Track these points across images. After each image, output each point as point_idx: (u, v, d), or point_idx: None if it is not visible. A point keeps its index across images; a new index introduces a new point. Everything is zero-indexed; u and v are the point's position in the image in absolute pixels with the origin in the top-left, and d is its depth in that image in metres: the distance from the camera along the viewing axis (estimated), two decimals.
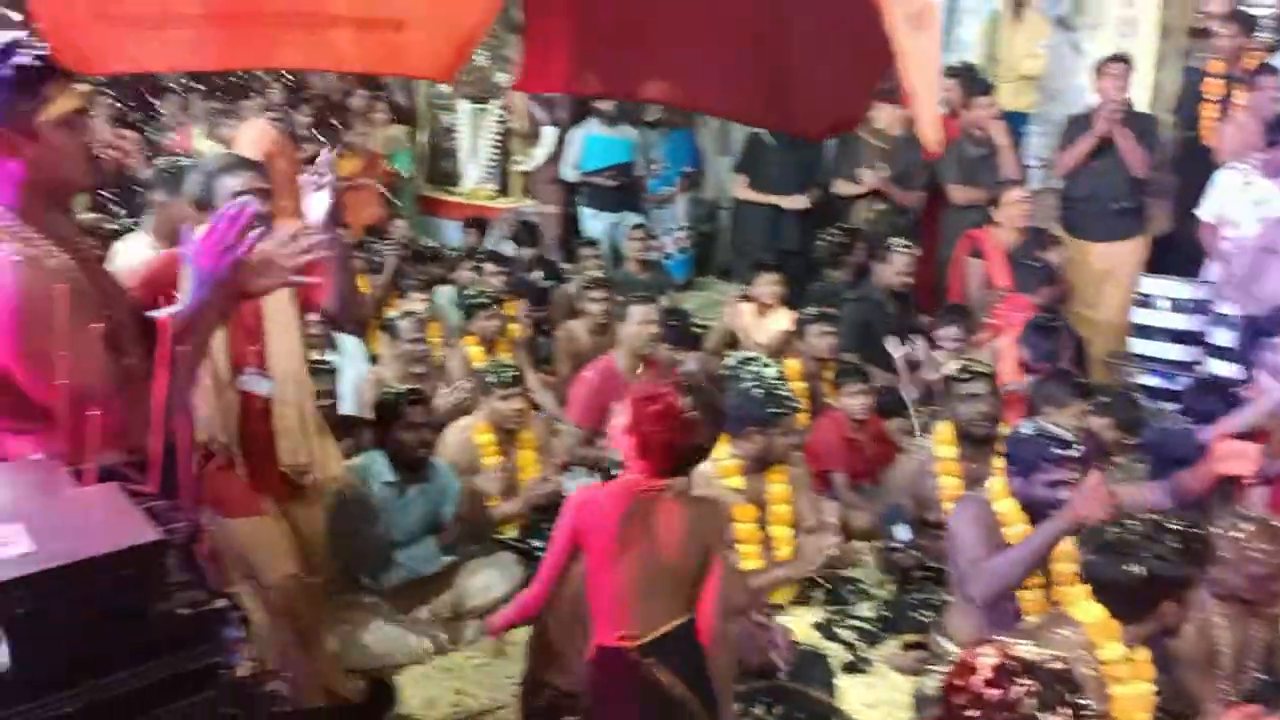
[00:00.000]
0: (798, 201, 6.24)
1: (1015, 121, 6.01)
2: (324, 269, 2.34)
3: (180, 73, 7.83)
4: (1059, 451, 2.87)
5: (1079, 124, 5.41)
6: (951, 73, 5.73)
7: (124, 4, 1.53)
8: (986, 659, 1.67)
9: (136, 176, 5.90)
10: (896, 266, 5.19)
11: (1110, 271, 5.45)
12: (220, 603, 1.24)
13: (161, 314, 1.90)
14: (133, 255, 3.24)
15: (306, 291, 2.57)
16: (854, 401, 4.22)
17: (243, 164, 2.60)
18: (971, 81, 5.79)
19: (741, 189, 6.32)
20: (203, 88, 8.27)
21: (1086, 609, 2.34)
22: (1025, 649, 1.68)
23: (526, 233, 6.61)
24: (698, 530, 2.24)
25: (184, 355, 1.46)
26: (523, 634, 2.81)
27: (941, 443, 3.72)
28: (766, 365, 3.43)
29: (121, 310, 1.87)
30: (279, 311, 2.64)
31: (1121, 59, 5.31)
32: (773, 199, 6.24)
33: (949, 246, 5.60)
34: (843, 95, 1.53)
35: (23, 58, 1.63)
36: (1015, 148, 5.81)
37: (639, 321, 4.47)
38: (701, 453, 2.28)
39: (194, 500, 1.28)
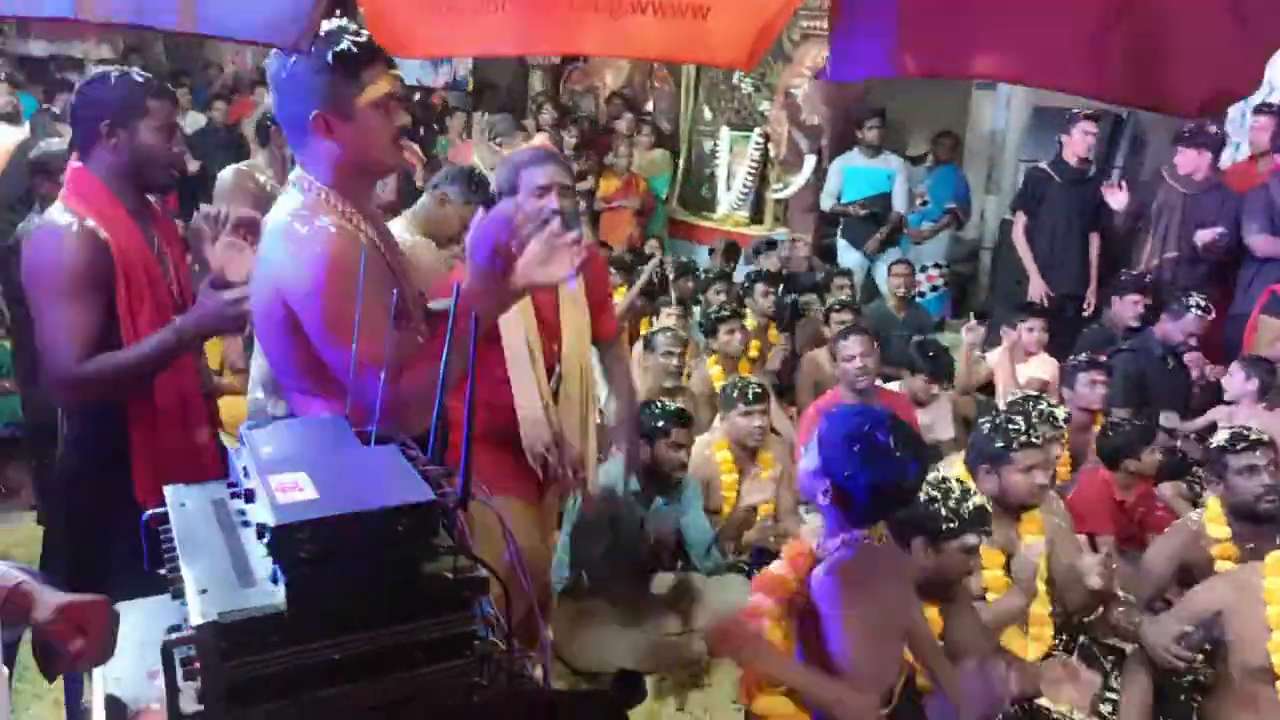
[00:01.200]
0: (1038, 289, 5.73)
1: None
2: None
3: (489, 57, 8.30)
4: None
5: None
6: (1262, 110, 5.18)
7: None
8: None
9: (416, 184, 6.35)
10: (1186, 326, 4.76)
11: None
12: (481, 572, 1.24)
13: (439, 304, 1.99)
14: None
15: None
16: (1151, 459, 3.85)
17: (547, 157, 2.60)
18: None
19: (1019, 229, 5.92)
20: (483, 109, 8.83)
21: None
22: None
23: (772, 254, 6.54)
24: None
25: (461, 336, 1.49)
26: None
27: (1212, 521, 3.27)
28: (1053, 407, 3.19)
29: (412, 290, 1.96)
30: (570, 304, 2.70)
31: None
32: (1033, 275, 5.76)
33: (1246, 300, 5.07)
34: (1228, 60, 1.31)
35: (347, 43, 1.73)
36: None
37: (845, 357, 4.15)
38: (905, 493, 2.04)
39: (466, 472, 1.28)
